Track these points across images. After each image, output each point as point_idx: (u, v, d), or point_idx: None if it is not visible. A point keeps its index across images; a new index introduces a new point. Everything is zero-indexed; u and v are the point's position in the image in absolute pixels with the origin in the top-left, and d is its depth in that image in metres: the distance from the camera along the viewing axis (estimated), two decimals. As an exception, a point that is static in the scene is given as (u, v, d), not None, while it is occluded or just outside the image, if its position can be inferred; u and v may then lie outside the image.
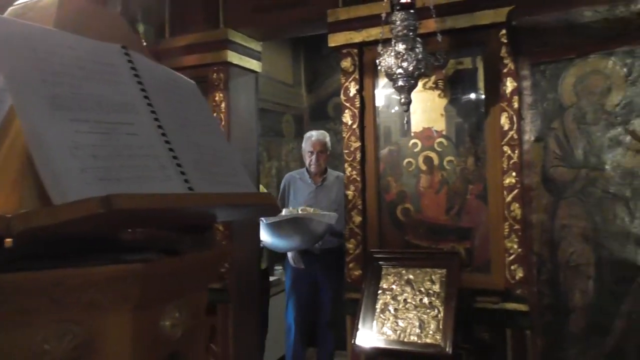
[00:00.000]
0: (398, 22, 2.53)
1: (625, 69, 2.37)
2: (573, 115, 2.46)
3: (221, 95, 3.47)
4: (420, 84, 2.97)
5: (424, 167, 2.96)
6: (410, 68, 2.50)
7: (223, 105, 3.47)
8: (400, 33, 2.54)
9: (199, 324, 1.25)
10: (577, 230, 2.44)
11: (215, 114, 3.49)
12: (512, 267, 2.72)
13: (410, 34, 2.54)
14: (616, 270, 2.37)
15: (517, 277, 2.70)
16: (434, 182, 2.94)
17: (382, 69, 2.61)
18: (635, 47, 2.35)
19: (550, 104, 2.50)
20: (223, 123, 3.47)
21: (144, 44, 3.30)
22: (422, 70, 2.54)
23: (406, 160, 3.00)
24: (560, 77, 2.48)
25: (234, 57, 3.49)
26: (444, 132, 2.93)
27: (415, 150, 2.99)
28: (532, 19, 2.43)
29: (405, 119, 2.66)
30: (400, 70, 2.51)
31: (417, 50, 2.50)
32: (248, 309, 3.66)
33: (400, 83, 2.56)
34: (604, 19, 2.32)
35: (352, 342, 2.51)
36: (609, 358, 2.36)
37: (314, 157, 4.32)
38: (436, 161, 2.94)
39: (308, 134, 4.47)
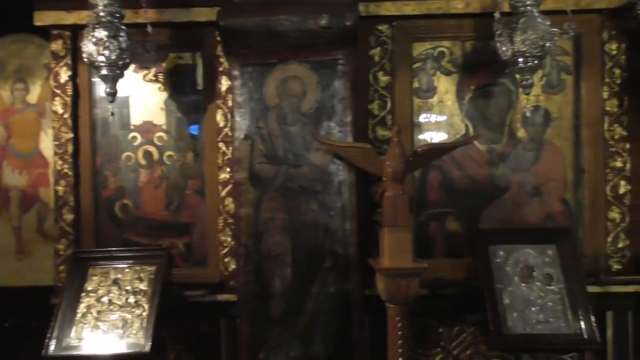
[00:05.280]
0: (101, 7, 2.39)
1: (317, 76, 2.65)
2: (276, 116, 2.65)
3: None
4: (140, 75, 2.88)
5: (143, 162, 2.87)
6: (113, 57, 2.38)
7: None
8: (103, 19, 2.40)
9: None
10: (278, 222, 2.63)
11: None
12: (226, 260, 2.83)
13: (115, 21, 2.42)
14: (308, 257, 2.63)
15: (230, 269, 2.82)
16: (153, 177, 2.88)
17: (85, 56, 2.43)
18: (324, 57, 2.63)
19: (257, 104, 2.65)
20: None
21: None
22: (128, 61, 2.45)
23: (125, 154, 2.87)
24: (264, 79, 2.65)
25: None
26: (164, 127, 2.88)
27: (135, 143, 2.88)
28: (237, 20, 2.53)
29: (111, 110, 2.53)
30: (102, 58, 2.38)
31: (120, 38, 2.39)
32: None
33: (103, 72, 2.42)
34: (298, 29, 2.55)
35: (43, 353, 2.29)
36: (302, 335, 2.61)
37: None
38: (156, 156, 2.88)
39: None
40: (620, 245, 2.77)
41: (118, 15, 2.44)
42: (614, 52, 2.78)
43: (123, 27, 2.44)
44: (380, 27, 2.82)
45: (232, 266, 2.79)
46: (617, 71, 2.78)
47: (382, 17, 2.79)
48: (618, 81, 2.78)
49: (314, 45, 2.61)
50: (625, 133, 2.78)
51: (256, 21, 2.54)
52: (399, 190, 2.39)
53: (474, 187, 2.83)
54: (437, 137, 2.86)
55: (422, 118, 2.86)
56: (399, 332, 2.36)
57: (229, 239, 2.81)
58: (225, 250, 2.82)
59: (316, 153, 2.63)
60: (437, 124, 2.86)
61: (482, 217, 2.83)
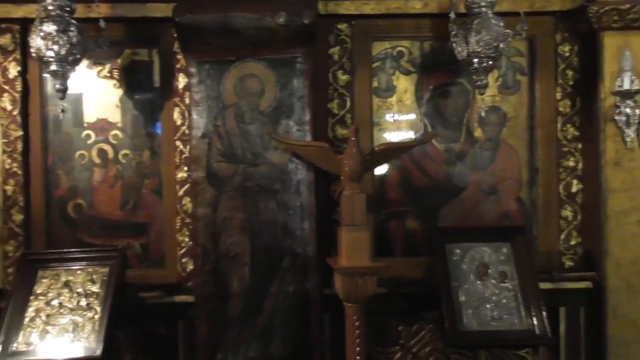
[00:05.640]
0: (49, 0, 2.31)
1: (275, 74, 2.62)
2: (234, 114, 2.62)
3: None
4: (94, 71, 2.81)
5: (97, 160, 2.80)
6: (63, 52, 2.31)
7: None
8: (52, 13, 2.32)
9: None
10: (236, 221, 2.60)
11: None
12: (184, 260, 2.79)
13: (65, 15, 2.35)
14: (267, 256, 2.60)
15: (187, 270, 2.77)
16: (108, 176, 2.80)
17: (33, 51, 2.35)
18: (282, 55, 2.61)
19: (214, 102, 2.61)
20: None
21: None
22: (79, 56, 2.38)
23: (78, 153, 2.79)
24: (222, 76, 2.61)
25: None
26: (119, 124, 2.81)
27: (89, 142, 2.80)
28: (193, 17, 2.48)
29: (61, 107, 2.45)
30: (51, 53, 2.30)
31: (70, 33, 2.32)
32: None
33: (53, 67, 2.35)
34: (255, 27, 2.52)
35: (-13, 359, 2.21)
36: (261, 335, 2.58)
37: None
38: (111, 154, 2.81)
39: None
40: (573, 242, 2.84)
41: (68, 9, 2.36)
42: (567, 54, 2.84)
43: (73, 21, 2.37)
44: (339, 26, 2.82)
45: (190, 267, 2.75)
46: (569, 72, 2.85)
47: (341, 16, 2.78)
48: (571, 82, 2.85)
49: (272, 43, 2.59)
50: (577, 133, 2.85)
51: (213, 18, 2.50)
52: (357, 189, 2.39)
53: (432, 186, 2.86)
54: (396, 136, 2.87)
55: (382, 117, 2.87)
56: (357, 331, 2.37)
57: (186, 239, 2.77)
58: (183, 251, 2.77)
59: (275, 152, 2.61)
60: (396, 123, 2.88)
61: (440, 216, 2.86)
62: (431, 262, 2.68)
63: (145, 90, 2.82)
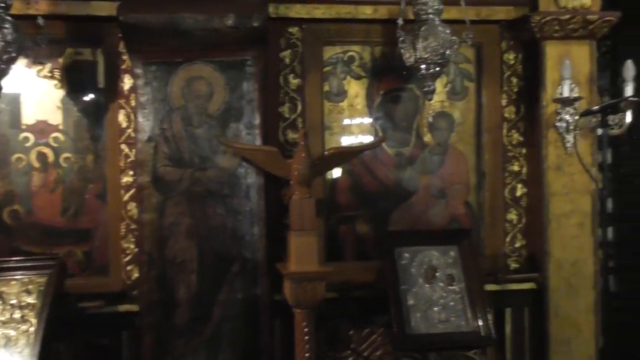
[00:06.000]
0: (-19, -4, 2.19)
1: (224, 77, 2.57)
2: (181, 117, 2.55)
3: None
4: (33, 71, 2.68)
5: (36, 164, 2.67)
6: (-3, 50, 2.19)
7: None
8: (-13, 8, 2.20)
9: None
10: (183, 227, 2.53)
11: None
12: (129, 268, 2.69)
13: (0, 11, 2.23)
14: (215, 263, 2.55)
15: (133, 278, 2.68)
16: (48, 181, 2.68)
17: (-37, 48, 2.22)
18: (231, 57, 2.57)
19: (161, 104, 2.54)
20: None
21: None
22: (14, 54, 2.26)
23: (15, 156, 2.66)
24: (169, 78, 2.54)
25: None
26: (60, 127, 2.70)
27: (27, 145, 2.67)
28: (138, 16, 2.41)
29: (-3, 109, 2.33)
30: (-18, 51, 2.18)
31: (5, 30, 2.20)
32: None
33: (-15, 66, 2.22)
34: (204, 28, 2.47)
35: None
36: (209, 343, 2.53)
37: None
38: (51, 158, 2.68)
39: None
40: (517, 244, 2.92)
41: (3, 5, 2.24)
42: (512, 62, 2.93)
43: (9, 18, 2.25)
44: (290, 30, 2.80)
45: (135, 274, 2.66)
46: (514, 80, 2.93)
47: (292, 20, 2.77)
48: (515, 89, 2.93)
49: (221, 45, 2.54)
50: (521, 139, 2.94)
51: (159, 18, 2.44)
52: (306, 193, 2.37)
53: (383, 190, 2.88)
54: (347, 140, 2.88)
55: (333, 121, 2.86)
56: (306, 337, 2.35)
57: (132, 246, 2.68)
58: (128, 258, 2.68)
59: (223, 156, 2.56)
60: (347, 128, 2.88)
61: (390, 220, 2.88)
62: (381, 266, 2.70)
63: (88, 91, 2.71)
